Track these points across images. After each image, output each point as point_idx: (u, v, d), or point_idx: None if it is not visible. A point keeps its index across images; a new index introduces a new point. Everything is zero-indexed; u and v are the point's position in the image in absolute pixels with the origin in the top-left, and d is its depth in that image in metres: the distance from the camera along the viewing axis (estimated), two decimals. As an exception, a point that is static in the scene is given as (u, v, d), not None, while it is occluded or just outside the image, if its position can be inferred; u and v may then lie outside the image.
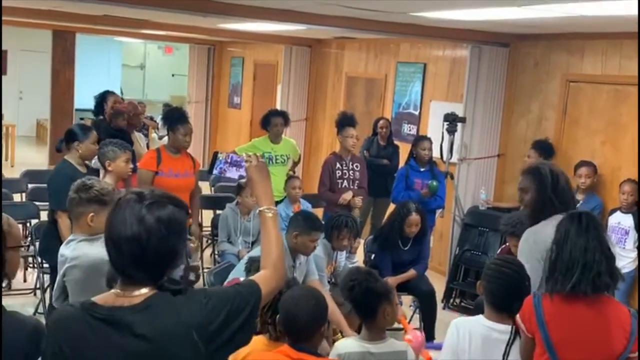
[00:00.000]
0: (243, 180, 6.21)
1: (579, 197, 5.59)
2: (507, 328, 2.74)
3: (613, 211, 5.60)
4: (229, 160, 2.36)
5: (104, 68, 15.16)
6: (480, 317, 2.87)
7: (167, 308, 1.73)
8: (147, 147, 8.14)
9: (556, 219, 2.82)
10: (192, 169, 5.38)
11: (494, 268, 2.87)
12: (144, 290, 1.74)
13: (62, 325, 1.77)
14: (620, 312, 2.50)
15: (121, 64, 16.26)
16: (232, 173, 2.36)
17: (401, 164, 7.09)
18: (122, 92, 15.58)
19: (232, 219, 6.01)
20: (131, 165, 4.63)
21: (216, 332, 1.76)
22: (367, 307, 3.04)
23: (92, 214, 3.25)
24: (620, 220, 5.48)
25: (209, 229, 6.86)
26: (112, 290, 1.78)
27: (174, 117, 5.42)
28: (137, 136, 7.08)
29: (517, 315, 2.60)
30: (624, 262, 5.28)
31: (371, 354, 2.98)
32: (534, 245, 3.14)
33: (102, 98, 7.76)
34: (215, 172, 2.42)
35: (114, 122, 6.78)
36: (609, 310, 2.49)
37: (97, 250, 3.16)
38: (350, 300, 3.10)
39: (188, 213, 1.93)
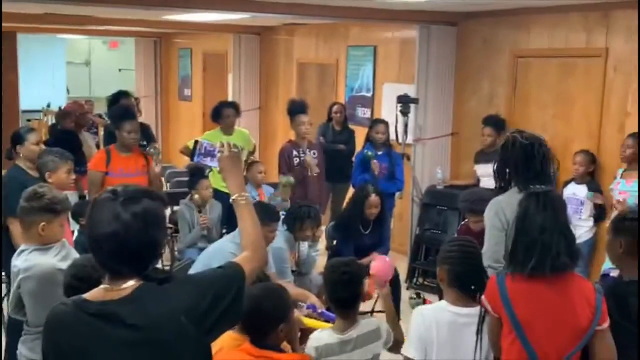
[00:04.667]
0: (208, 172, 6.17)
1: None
2: (471, 311, 2.73)
3: (567, 182, 5.69)
4: (202, 151, 2.37)
5: (48, 67, 14.75)
6: (443, 303, 2.84)
7: (155, 297, 1.81)
8: (98, 146, 7.96)
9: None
10: (144, 167, 5.26)
11: (457, 250, 2.85)
12: (131, 283, 1.81)
13: (57, 324, 1.83)
14: (584, 287, 2.51)
15: (65, 61, 15.85)
16: (208, 162, 2.39)
17: (358, 147, 7.09)
18: (67, 91, 15.24)
19: (189, 214, 5.92)
20: (73, 176, 4.45)
21: (204, 314, 1.84)
22: (350, 301, 3.05)
23: (43, 223, 3.15)
24: (575, 191, 5.57)
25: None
26: (101, 286, 1.85)
27: (118, 114, 5.29)
28: (86, 136, 6.91)
29: (482, 296, 2.60)
30: (581, 231, 5.39)
31: (348, 341, 2.98)
32: (495, 216, 3.19)
33: (116, 100, 7.34)
34: (195, 159, 2.42)
35: (62, 124, 6.60)
36: (573, 286, 2.50)
37: (49, 261, 3.08)
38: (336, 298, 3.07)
39: (165, 204, 1.99)
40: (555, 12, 6.01)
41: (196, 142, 2.43)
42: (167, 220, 6.46)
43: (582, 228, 5.41)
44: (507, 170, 3.20)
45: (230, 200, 2.20)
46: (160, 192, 1.86)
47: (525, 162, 3.12)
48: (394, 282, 5.58)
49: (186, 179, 7.43)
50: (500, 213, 3.15)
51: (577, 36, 5.90)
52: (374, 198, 5.41)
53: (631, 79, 5.50)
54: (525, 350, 2.46)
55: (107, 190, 1.87)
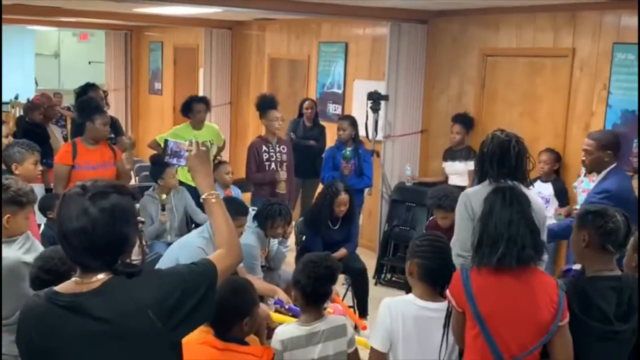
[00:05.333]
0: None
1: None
2: (438, 306, 2.77)
3: (533, 180, 5.74)
4: (169, 152, 2.38)
5: (17, 58, 14.52)
6: (411, 296, 2.87)
7: (123, 290, 1.84)
8: (66, 139, 7.87)
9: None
10: (112, 159, 5.24)
11: (428, 244, 2.90)
12: (101, 276, 1.84)
13: (30, 315, 1.86)
14: (547, 283, 2.56)
15: (34, 53, 15.62)
16: (176, 162, 2.40)
17: (329, 143, 7.11)
18: (36, 83, 15.02)
19: (152, 206, 5.83)
20: (40, 167, 4.41)
21: (172, 309, 1.85)
22: (325, 295, 3.09)
23: (8, 215, 3.12)
24: (541, 190, 5.65)
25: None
26: (73, 279, 1.88)
27: (91, 107, 5.25)
28: (53, 128, 6.83)
29: (447, 290, 2.64)
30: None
31: (315, 334, 3.00)
32: (463, 207, 3.37)
33: (84, 92, 7.28)
34: (167, 159, 2.42)
35: (29, 116, 6.51)
36: (536, 281, 2.54)
37: (14, 253, 3.05)
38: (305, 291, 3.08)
39: (135, 198, 2.02)
40: (523, 12, 6.09)
41: (166, 142, 2.42)
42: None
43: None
44: (485, 164, 3.35)
45: (201, 199, 2.20)
46: (129, 187, 1.87)
47: (500, 157, 3.29)
48: (361, 278, 5.64)
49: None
50: (468, 205, 3.32)
51: (544, 36, 5.99)
52: (343, 196, 5.44)
53: (597, 79, 5.60)
54: (488, 345, 2.50)
55: (77, 185, 1.90)
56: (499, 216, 2.54)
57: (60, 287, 1.88)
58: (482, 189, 3.14)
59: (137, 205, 5.77)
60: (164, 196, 5.80)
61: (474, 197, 3.27)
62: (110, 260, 1.86)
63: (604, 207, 2.78)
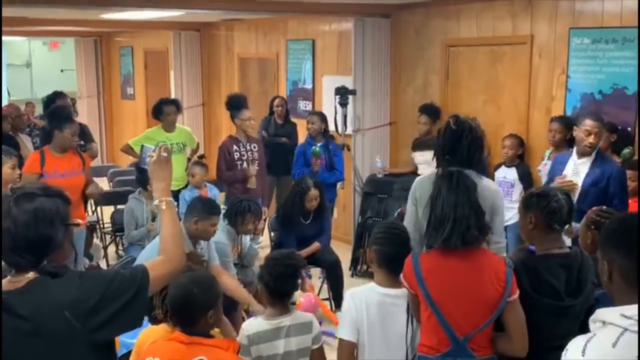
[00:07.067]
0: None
1: None
2: (399, 292, 2.85)
3: (498, 166, 5.89)
4: (142, 157, 2.45)
5: (-13, 70, 14.43)
6: (372, 284, 2.96)
7: (43, 289, 1.90)
8: (37, 148, 7.86)
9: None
10: (80, 167, 5.26)
11: (384, 231, 2.99)
12: (29, 275, 1.92)
13: None
14: (494, 262, 2.66)
15: (6, 63, 15.52)
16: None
17: (300, 140, 7.19)
18: (9, 94, 14.90)
19: (138, 209, 5.90)
20: (18, 171, 4.47)
21: (91, 311, 1.89)
22: (290, 292, 3.16)
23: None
24: (505, 174, 5.77)
25: (110, 225, 6.76)
26: (7, 277, 1.96)
27: (60, 116, 5.28)
28: (24, 138, 6.84)
29: (401, 275, 2.74)
30: (511, 213, 5.56)
31: (281, 328, 3.05)
32: (411, 194, 3.46)
33: (52, 101, 7.26)
34: (144, 165, 2.48)
35: (-4, 126, 6.52)
36: (483, 261, 2.65)
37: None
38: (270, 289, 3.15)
39: (68, 202, 2.05)
40: (482, 1, 6.20)
41: (142, 147, 2.50)
42: (110, 220, 6.33)
43: (512, 210, 5.57)
44: (440, 154, 3.35)
45: (153, 204, 2.27)
46: (59, 190, 1.92)
47: (451, 147, 3.26)
48: (336, 270, 5.74)
49: (130, 177, 7.43)
50: (414, 191, 3.43)
51: (503, 24, 6.11)
52: (313, 191, 5.53)
53: (555, 65, 5.73)
54: (440, 324, 2.60)
55: (11, 188, 1.99)
56: (445, 198, 2.63)
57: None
58: (428, 177, 3.25)
59: (111, 210, 5.77)
60: (155, 203, 5.83)
61: (419, 183, 3.41)
62: (35, 260, 1.94)
63: (545, 188, 2.89)
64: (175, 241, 2.17)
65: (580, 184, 4.43)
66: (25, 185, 1.99)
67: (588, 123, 4.41)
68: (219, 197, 6.34)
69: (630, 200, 4.40)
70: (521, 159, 5.86)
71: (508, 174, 5.76)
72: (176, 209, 2.31)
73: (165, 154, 2.31)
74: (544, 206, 2.75)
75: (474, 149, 3.28)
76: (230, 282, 4.43)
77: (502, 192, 5.55)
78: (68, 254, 2.06)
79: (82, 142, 6.14)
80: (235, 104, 6.42)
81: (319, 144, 6.50)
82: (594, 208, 3.25)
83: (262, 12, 6.99)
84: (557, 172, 4.59)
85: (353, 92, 7.06)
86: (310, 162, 6.45)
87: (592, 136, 4.38)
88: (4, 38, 14.01)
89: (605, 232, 1.81)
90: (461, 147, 3.24)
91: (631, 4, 5.04)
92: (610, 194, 4.32)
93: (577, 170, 4.51)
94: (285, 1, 6.40)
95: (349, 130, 7.17)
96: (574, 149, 4.57)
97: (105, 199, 6.82)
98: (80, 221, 2.17)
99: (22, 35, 13.66)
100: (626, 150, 5.04)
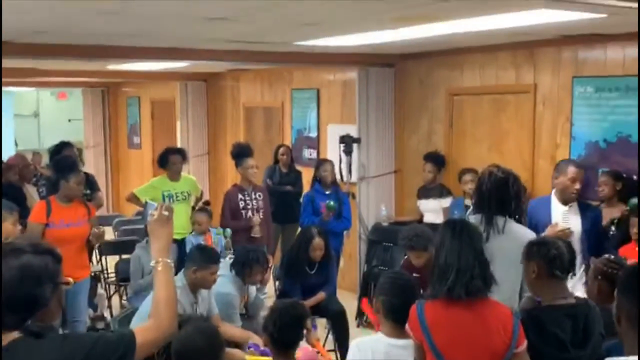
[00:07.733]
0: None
1: (467, 201, 5.81)
2: (406, 342, 2.81)
3: (504, 214, 5.85)
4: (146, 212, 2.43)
5: (-5, 121, 14.60)
6: (379, 335, 2.93)
7: (26, 351, 1.85)
8: (43, 198, 7.88)
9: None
10: (86, 217, 5.25)
11: (390, 282, 2.97)
12: (13, 335, 1.85)
13: None
14: (500, 312, 2.63)
15: (13, 114, 15.70)
16: None
17: (306, 188, 7.19)
18: (16, 144, 15.04)
19: (144, 257, 5.85)
20: (19, 227, 4.46)
21: None
22: (295, 342, 3.13)
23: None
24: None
25: (114, 275, 6.72)
26: None
27: (66, 166, 5.31)
28: (30, 189, 6.86)
29: (407, 324, 2.70)
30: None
31: None
32: None
33: (59, 150, 7.31)
34: (145, 222, 2.48)
35: (4, 177, 6.55)
36: (488, 312, 2.61)
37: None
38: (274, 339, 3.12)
39: (59, 259, 1.99)
40: (485, 52, 6.27)
41: (145, 203, 2.52)
42: (114, 269, 6.26)
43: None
44: (483, 202, 3.42)
45: (150, 265, 2.23)
46: (50, 247, 1.88)
47: (499, 196, 3.37)
48: (341, 321, 5.66)
49: (135, 227, 7.42)
50: None
51: (506, 74, 6.17)
52: (318, 241, 5.49)
53: (559, 113, 5.76)
54: (446, 376, 2.56)
55: (4, 243, 1.93)
56: (449, 248, 2.62)
57: None
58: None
59: (115, 259, 5.75)
60: (151, 264, 5.80)
61: None
62: (20, 319, 1.87)
63: (544, 237, 2.88)
64: (167, 305, 2.11)
65: (576, 229, 4.49)
66: (14, 241, 1.94)
67: (571, 170, 4.55)
68: (223, 241, 6.30)
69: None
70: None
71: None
72: (173, 271, 2.26)
73: (166, 213, 2.27)
74: (544, 254, 2.76)
75: (519, 198, 3.45)
76: (229, 327, 4.40)
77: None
78: (56, 314, 2.00)
79: (88, 191, 6.15)
80: (240, 153, 6.45)
81: (327, 192, 6.51)
82: (602, 258, 3.22)
83: (267, 62, 7.08)
84: (540, 217, 4.59)
85: (358, 141, 7.09)
86: (319, 211, 6.44)
87: (577, 182, 4.52)
88: (13, 89, 14.22)
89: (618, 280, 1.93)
90: (508, 196, 3.35)
91: (633, 52, 5.09)
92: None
93: (566, 217, 4.58)
94: (290, 52, 6.48)
95: (354, 179, 7.18)
96: (553, 196, 4.64)
97: (110, 248, 6.81)
98: (70, 280, 2.10)
99: (31, 86, 13.85)
100: (635, 200, 5.01)
